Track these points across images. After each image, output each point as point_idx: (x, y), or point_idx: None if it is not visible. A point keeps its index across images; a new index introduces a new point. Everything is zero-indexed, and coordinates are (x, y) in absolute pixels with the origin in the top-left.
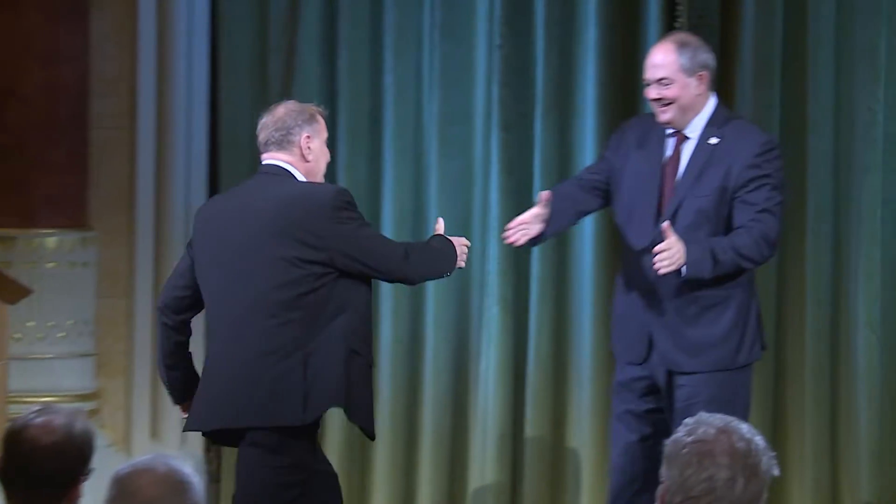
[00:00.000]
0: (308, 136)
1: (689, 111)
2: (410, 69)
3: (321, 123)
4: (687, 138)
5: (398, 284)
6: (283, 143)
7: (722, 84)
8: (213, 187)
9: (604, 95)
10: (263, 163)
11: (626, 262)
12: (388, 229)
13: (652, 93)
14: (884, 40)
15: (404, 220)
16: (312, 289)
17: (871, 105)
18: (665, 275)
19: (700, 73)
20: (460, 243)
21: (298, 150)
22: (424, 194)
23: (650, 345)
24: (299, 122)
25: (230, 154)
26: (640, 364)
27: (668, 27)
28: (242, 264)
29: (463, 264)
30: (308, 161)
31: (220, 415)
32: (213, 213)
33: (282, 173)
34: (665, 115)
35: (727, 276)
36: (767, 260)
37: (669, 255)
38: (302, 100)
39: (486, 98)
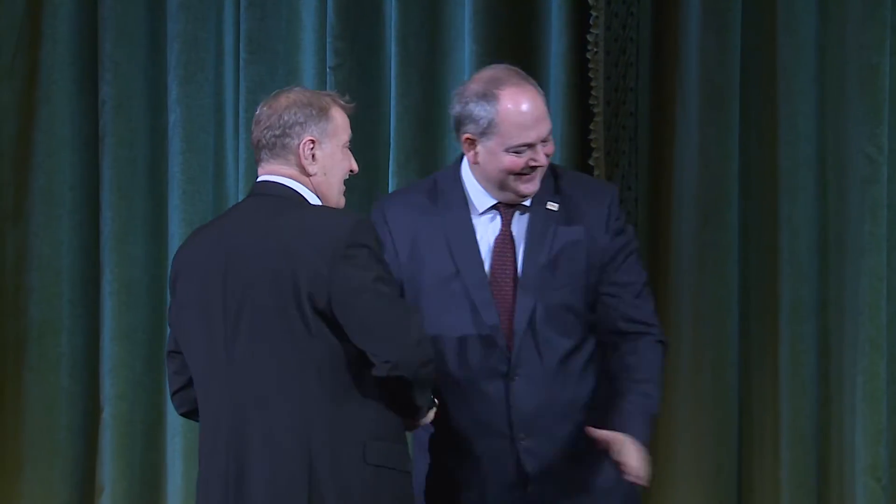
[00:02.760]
0: (311, 141)
1: None
2: (206, 101)
3: (338, 121)
4: (522, 207)
5: None
6: (276, 147)
7: (655, 119)
8: None
9: None
10: (258, 179)
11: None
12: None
13: (540, 157)
14: (887, 59)
15: None
16: None
17: (871, 153)
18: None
19: None
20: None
21: (297, 158)
22: None
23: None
24: (301, 120)
25: None
26: None
27: (578, 43)
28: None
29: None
30: (311, 174)
31: None
32: (195, 256)
33: (285, 194)
34: (535, 185)
35: (605, 391)
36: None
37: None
38: (46, 147)
39: None
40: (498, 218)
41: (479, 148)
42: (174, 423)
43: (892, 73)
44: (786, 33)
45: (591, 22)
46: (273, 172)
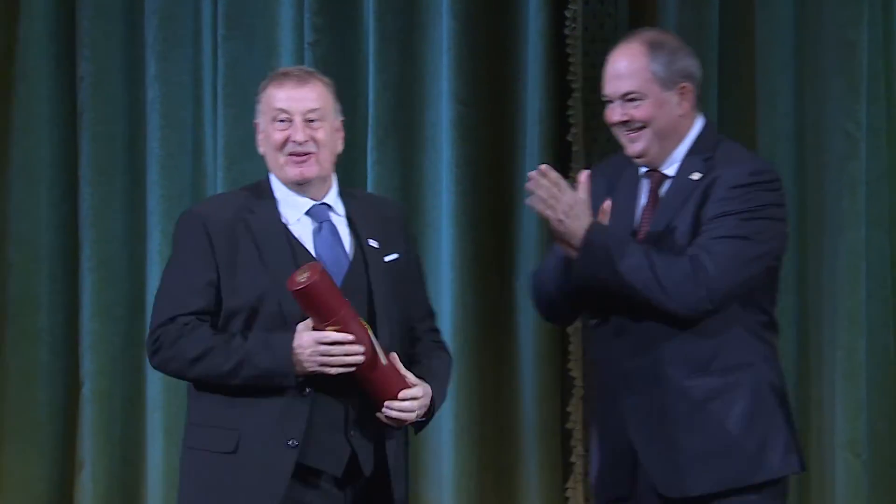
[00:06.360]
0: (255, 125)
1: (670, 138)
2: (184, 77)
3: (267, 98)
4: (665, 178)
5: None
6: None
7: None
8: None
9: (462, 113)
10: None
11: (602, 358)
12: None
13: (615, 114)
14: (865, 35)
15: None
16: None
17: (850, 129)
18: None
19: (682, 86)
20: (313, 342)
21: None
22: None
23: (634, 465)
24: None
25: None
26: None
27: (556, 19)
28: None
29: (322, 368)
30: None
31: None
32: None
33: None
34: (637, 146)
35: (730, 354)
36: (696, 307)
37: (548, 195)
38: (24, 124)
39: None
40: (646, 186)
41: None
42: (154, 398)
43: (869, 49)
44: (763, 9)
45: None
46: None
